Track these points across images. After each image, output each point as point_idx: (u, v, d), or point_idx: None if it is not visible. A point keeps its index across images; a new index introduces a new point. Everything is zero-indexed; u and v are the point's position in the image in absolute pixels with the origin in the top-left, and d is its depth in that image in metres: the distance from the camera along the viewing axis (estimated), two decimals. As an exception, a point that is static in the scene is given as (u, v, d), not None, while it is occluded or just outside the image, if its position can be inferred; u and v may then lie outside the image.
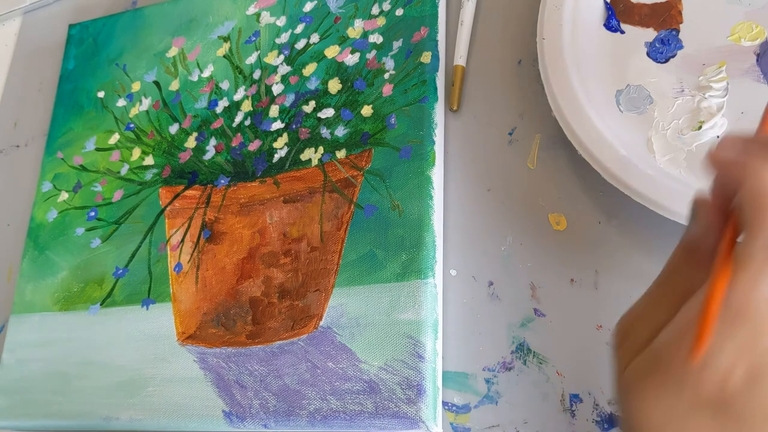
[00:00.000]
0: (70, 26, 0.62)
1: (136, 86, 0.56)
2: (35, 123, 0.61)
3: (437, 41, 0.47)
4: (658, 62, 0.41)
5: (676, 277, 0.27)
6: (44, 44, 0.65)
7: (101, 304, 0.50)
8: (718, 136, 0.38)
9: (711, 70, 0.40)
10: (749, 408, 0.23)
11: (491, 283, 0.41)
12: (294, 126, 0.48)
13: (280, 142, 0.48)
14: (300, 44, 0.51)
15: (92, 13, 0.64)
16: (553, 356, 0.39)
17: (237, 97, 0.51)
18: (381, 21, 0.49)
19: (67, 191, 0.55)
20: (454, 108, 0.46)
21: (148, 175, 0.52)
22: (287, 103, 0.49)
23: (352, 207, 0.44)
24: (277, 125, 0.49)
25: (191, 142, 0.52)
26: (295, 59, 0.50)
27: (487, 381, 0.40)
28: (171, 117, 0.53)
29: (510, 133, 0.44)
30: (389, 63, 0.47)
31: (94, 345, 0.49)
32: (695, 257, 0.27)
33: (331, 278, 0.43)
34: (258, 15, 0.54)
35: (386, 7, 0.49)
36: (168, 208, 0.50)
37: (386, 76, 0.47)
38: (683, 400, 0.24)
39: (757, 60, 0.39)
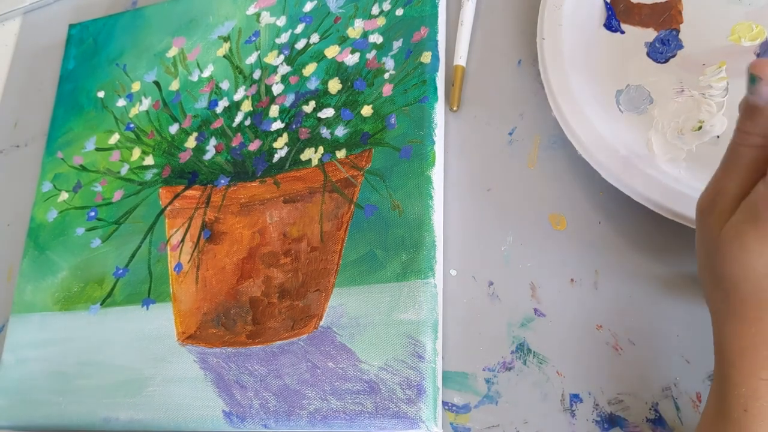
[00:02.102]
0: (70, 26, 0.62)
1: (136, 86, 0.56)
2: (35, 123, 0.61)
3: (437, 41, 0.47)
4: (658, 62, 0.41)
5: (743, 147, 0.29)
6: (44, 44, 0.65)
7: (101, 304, 0.50)
8: (718, 136, 0.38)
9: (711, 70, 0.40)
10: None
11: (491, 283, 0.41)
12: (294, 126, 0.48)
13: (280, 142, 0.48)
14: (300, 44, 0.51)
15: (92, 13, 0.64)
16: (553, 356, 0.39)
17: (237, 97, 0.51)
18: (381, 21, 0.49)
19: (67, 191, 0.55)
20: (454, 108, 0.46)
21: (148, 175, 0.52)
22: (287, 103, 0.49)
23: (352, 207, 0.44)
24: (277, 125, 0.49)
25: (191, 142, 0.52)
26: (295, 59, 0.50)
27: (487, 381, 0.40)
28: (171, 117, 0.53)
29: (510, 133, 0.44)
30: (389, 63, 0.47)
31: (94, 345, 0.48)
32: (758, 120, 0.28)
33: (331, 278, 0.43)
34: (258, 15, 0.54)
35: (386, 7, 0.49)
36: (168, 208, 0.50)
37: (386, 76, 0.47)
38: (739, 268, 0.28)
39: (757, 60, 0.39)
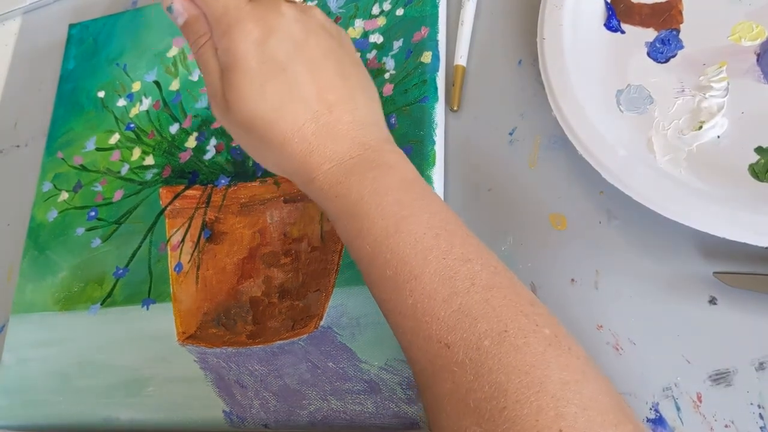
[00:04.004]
0: (70, 26, 0.62)
1: (136, 86, 0.56)
2: (35, 123, 0.61)
3: (438, 41, 0.47)
4: (659, 62, 0.41)
5: (203, 48, 0.37)
6: (44, 44, 0.65)
7: (101, 304, 0.50)
8: (718, 136, 0.38)
9: (711, 70, 0.40)
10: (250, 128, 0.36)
11: (491, 283, 0.41)
12: (294, 126, 0.48)
13: (281, 142, 0.48)
14: (300, 44, 0.51)
15: (92, 12, 0.64)
16: (553, 356, 0.39)
17: (237, 97, 0.51)
18: (381, 21, 0.49)
19: (67, 191, 0.55)
20: (455, 108, 0.46)
21: (149, 175, 0.52)
22: (287, 103, 0.49)
23: (352, 207, 0.44)
24: (278, 125, 0.49)
25: (191, 142, 0.52)
26: (295, 59, 0.50)
27: (488, 381, 0.39)
28: (171, 117, 0.53)
29: (510, 133, 0.44)
30: (390, 63, 0.47)
31: (94, 345, 0.48)
32: (195, 27, 0.37)
33: (332, 278, 0.43)
34: (258, 15, 0.53)
35: (387, 7, 0.49)
36: (168, 208, 0.50)
37: (386, 75, 0.47)
38: (229, 122, 0.37)
39: (758, 60, 0.39)
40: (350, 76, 0.37)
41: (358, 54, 0.39)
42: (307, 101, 0.35)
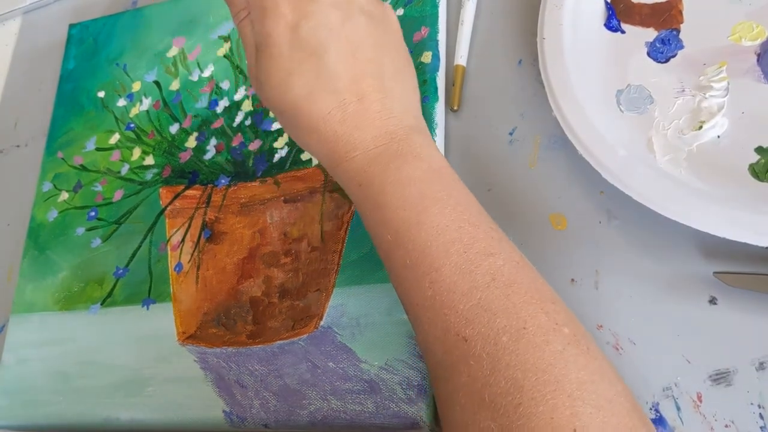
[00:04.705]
0: (70, 26, 0.62)
1: (136, 86, 0.56)
2: (35, 123, 0.61)
3: (438, 41, 0.47)
4: (659, 62, 0.41)
5: (243, 22, 0.37)
6: (44, 44, 0.65)
7: (101, 304, 0.50)
8: (718, 136, 0.38)
9: (711, 70, 0.40)
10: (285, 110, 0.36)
11: (492, 283, 0.41)
12: (294, 126, 0.48)
13: (281, 142, 0.48)
14: (300, 44, 0.51)
15: (92, 12, 0.64)
16: (553, 356, 0.39)
17: (237, 96, 0.51)
18: (381, 21, 0.49)
19: (67, 191, 0.55)
20: (455, 108, 0.46)
21: (149, 175, 0.52)
22: (287, 103, 0.49)
23: (353, 206, 0.44)
24: (278, 125, 0.49)
25: (192, 142, 0.52)
26: (295, 59, 0.50)
27: (488, 381, 0.39)
28: (171, 117, 0.53)
29: (510, 133, 0.44)
30: (390, 63, 0.47)
31: (94, 345, 0.48)
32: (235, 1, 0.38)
33: (332, 278, 0.43)
34: (258, 15, 0.53)
35: (386, 7, 0.49)
36: (168, 208, 0.50)
37: (387, 76, 0.47)
38: (263, 99, 0.36)
39: (758, 60, 0.39)
40: (386, 64, 0.36)
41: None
42: (336, 90, 0.34)
